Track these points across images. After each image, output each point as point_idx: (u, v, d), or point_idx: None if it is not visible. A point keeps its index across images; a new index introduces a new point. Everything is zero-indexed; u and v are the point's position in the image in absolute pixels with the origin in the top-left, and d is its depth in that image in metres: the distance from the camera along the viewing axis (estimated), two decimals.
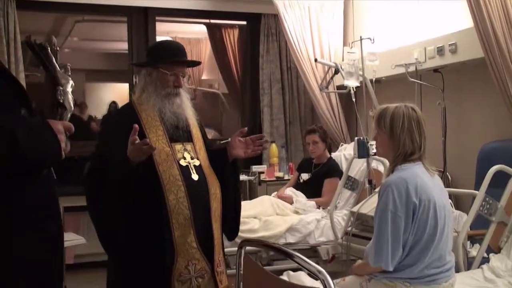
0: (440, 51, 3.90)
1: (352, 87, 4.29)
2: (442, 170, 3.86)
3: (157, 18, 5.41)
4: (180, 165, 2.35)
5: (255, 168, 5.13)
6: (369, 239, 2.34)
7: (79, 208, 4.96)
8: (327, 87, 4.68)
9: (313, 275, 1.56)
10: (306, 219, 3.91)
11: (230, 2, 5.41)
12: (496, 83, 3.35)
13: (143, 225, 2.29)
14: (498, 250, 2.94)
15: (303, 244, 3.88)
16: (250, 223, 3.78)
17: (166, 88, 2.40)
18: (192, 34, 7.43)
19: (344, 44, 5.02)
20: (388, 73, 4.30)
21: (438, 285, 2.22)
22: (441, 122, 3.94)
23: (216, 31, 6.55)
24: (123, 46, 5.97)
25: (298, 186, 4.40)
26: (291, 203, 4.16)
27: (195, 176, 2.37)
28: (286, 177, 5.13)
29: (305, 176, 4.42)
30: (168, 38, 6.53)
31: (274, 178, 5.14)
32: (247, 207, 3.88)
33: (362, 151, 3.36)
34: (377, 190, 3.05)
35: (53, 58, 1.53)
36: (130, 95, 2.72)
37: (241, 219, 2.71)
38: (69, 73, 1.56)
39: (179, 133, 2.43)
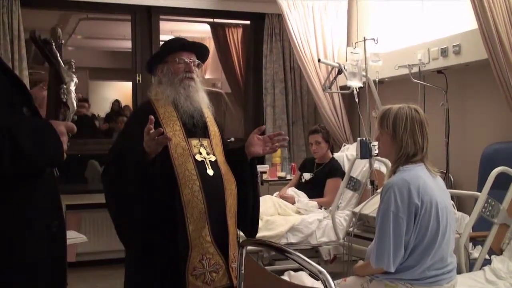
0: (444, 52, 3.89)
1: (355, 88, 4.28)
2: (445, 171, 3.85)
3: (161, 16, 5.42)
4: (196, 160, 2.37)
5: (258, 167, 5.11)
6: (371, 239, 2.34)
7: (81, 206, 5.00)
8: (330, 88, 4.68)
9: (314, 275, 1.56)
10: (308, 219, 3.91)
11: (234, 1, 5.42)
12: (500, 85, 3.35)
13: (159, 218, 2.30)
14: (500, 252, 2.94)
15: (304, 244, 3.88)
16: None
17: (178, 75, 2.44)
18: (196, 33, 7.43)
19: (348, 44, 5.01)
20: (392, 74, 4.30)
21: (439, 286, 2.22)
22: (444, 123, 3.93)
23: (219, 30, 6.56)
24: (127, 44, 5.98)
25: (300, 186, 4.40)
26: (293, 203, 4.16)
27: (210, 172, 2.38)
28: (288, 177, 5.14)
29: (307, 176, 4.42)
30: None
31: (276, 178, 5.15)
32: None
33: (365, 152, 3.36)
34: (379, 190, 3.05)
35: (58, 54, 1.52)
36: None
37: None
38: (73, 70, 1.55)
39: (196, 129, 2.45)
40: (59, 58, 1.52)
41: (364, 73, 4.26)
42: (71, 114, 1.51)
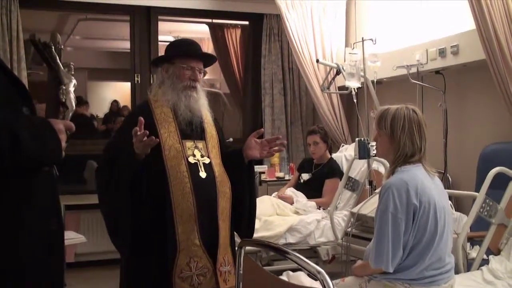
0: (442, 53, 3.90)
1: (354, 88, 4.29)
2: (443, 171, 3.86)
3: (159, 17, 5.42)
4: (189, 162, 2.36)
5: (256, 168, 5.10)
6: (369, 240, 2.35)
7: (79, 207, 5.00)
8: (328, 88, 4.68)
9: (312, 275, 1.56)
10: (306, 220, 3.92)
11: (232, 2, 5.42)
12: (498, 85, 3.35)
13: (148, 219, 2.31)
14: (497, 252, 2.94)
15: (303, 245, 3.88)
16: None
17: (183, 82, 2.43)
18: (194, 33, 7.43)
19: (346, 45, 5.01)
20: (390, 74, 4.30)
21: (437, 286, 2.23)
22: (442, 123, 3.94)
23: (218, 31, 6.55)
24: (126, 45, 5.98)
25: (299, 186, 4.40)
26: (292, 203, 4.16)
27: (202, 174, 2.38)
28: (287, 177, 5.14)
29: (305, 177, 4.42)
30: (172, 38, 6.54)
31: (275, 178, 5.15)
32: None
33: (363, 152, 3.36)
34: (377, 191, 3.05)
35: (57, 57, 1.53)
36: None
37: None
38: (72, 72, 1.56)
39: (191, 131, 2.44)
40: (58, 60, 1.53)
41: (362, 74, 4.26)
42: (70, 113, 1.53)
